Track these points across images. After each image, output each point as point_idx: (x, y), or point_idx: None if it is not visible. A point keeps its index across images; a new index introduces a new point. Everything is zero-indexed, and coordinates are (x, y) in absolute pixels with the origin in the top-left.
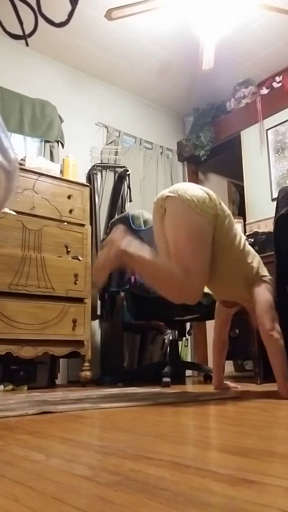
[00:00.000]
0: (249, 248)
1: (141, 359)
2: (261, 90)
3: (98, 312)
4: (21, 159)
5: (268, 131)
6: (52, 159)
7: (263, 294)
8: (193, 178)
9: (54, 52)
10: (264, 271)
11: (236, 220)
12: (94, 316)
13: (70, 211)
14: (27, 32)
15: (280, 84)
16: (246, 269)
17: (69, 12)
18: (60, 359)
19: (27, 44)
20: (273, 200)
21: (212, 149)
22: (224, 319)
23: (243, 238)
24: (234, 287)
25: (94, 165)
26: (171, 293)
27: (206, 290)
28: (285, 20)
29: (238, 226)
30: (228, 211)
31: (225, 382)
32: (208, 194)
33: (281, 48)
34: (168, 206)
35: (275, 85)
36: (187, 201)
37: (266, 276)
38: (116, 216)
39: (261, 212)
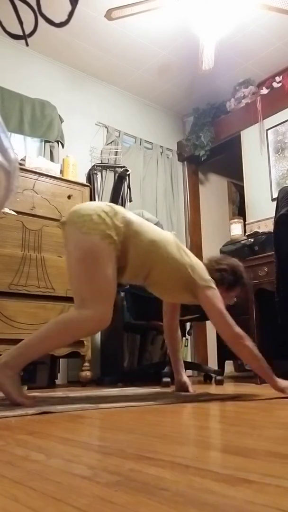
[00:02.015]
0: (185, 258)
1: (141, 359)
2: (261, 90)
3: None
4: (21, 159)
5: (268, 131)
6: (52, 159)
7: (212, 303)
8: (193, 178)
9: (54, 52)
10: (204, 276)
11: (236, 220)
12: None
13: None
14: (27, 32)
15: (280, 84)
16: (183, 278)
17: (69, 12)
18: (60, 359)
19: (27, 44)
20: (273, 200)
21: (212, 149)
22: (172, 315)
23: (170, 246)
24: (174, 293)
25: (94, 165)
26: (86, 333)
27: None
28: (285, 20)
29: (168, 234)
30: (138, 222)
31: (185, 380)
32: (100, 211)
33: (281, 48)
34: (67, 235)
35: (275, 85)
36: (75, 224)
37: (208, 280)
38: None
39: (261, 212)
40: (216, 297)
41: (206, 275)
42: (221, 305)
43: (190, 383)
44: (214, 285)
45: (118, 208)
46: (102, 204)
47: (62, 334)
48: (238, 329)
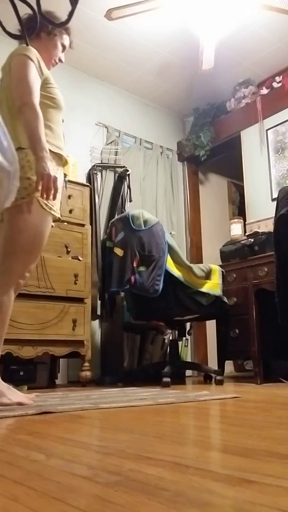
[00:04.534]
0: None
1: (141, 359)
2: (261, 90)
3: (98, 312)
4: None
5: (268, 131)
6: None
7: (16, 68)
8: (193, 178)
9: None
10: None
11: (236, 220)
12: (94, 316)
13: (70, 211)
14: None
15: (280, 84)
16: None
17: (69, 12)
18: (60, 359)
19: (27, 44)
20: (273, 200)
21: (212, 149)
22: None
23: None
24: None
25: (94, 165)
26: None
27: (205, 290)
28: (285, 20)
29: None
30: None
31: None
32: None
33: (281, 48)
34: None
35: (275, 85)
36: None
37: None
38: (116, 216)
39: (261, 212)
40: (24, 62)
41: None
42: (28, 71)
43: None
44: (27, 52)
45: None
46: None
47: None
48: (35, 101)
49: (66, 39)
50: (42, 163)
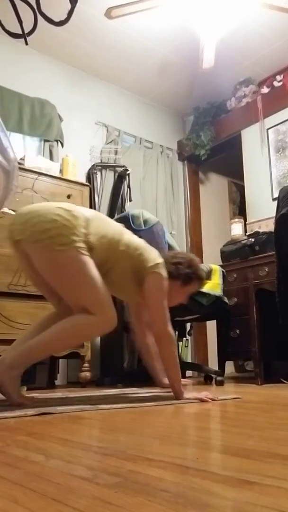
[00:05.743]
0: (130, 239)
1: (141, 359)
2: (262, 89)
3: None
4: (20, 159)
5: (269, 130)
6: (51, 158)
7: (154, 291)
8: (194, 177)
9: (53, 51)
10: (155, 258)
11: (236, 219)
12: None
13: None
14: (26, 31)
15: (281, 83)
16: (135, 264)
17: (69, 11)
18: (60, 360)
19: (26, 43)
20: (273, 199)
21: (212, 149)
22: (139, 320)
23: (115, 231)
24: (127, 292)
25: (93, 165)
26: (95, 336)
27: (206, 290)
28: (286, 19)
29: (106, 220)
30: (86, 214)
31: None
32: (60, 216)
33: (282, 47)
34: (28, 251)
35: (275, 84)
36: (40, 242)
37: (158, 265)
38: (116, 216)
39: (262, 211)
40: (161, 286)
41: (158, 259)
42: (163, 296)
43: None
44: (164, 272)
45: (72, 208)
46: (59, 211)
47: (71, 338)
48: (170, 329)
49: (193, 287)
50: (182, 395)
